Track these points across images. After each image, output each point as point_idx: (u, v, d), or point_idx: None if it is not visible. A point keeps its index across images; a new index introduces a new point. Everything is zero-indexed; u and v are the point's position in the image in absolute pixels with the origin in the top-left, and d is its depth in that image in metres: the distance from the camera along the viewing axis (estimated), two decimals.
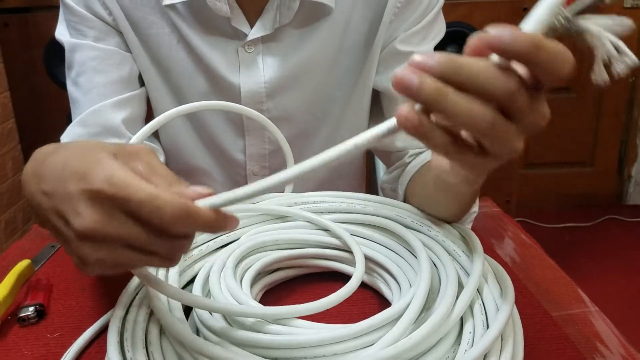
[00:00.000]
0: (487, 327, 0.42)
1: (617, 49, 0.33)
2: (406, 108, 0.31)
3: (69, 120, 0.69)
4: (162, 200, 0.32)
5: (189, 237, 0.36)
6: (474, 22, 1.60)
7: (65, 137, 0.66)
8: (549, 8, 0.31)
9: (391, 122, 0.31)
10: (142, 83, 0.71)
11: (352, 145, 0.32)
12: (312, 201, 0.59)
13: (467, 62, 0.30)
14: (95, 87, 0.66)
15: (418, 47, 0.69)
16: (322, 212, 0.58)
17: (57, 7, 0.69)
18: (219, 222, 0.35)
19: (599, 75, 0.33)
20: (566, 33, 0.33)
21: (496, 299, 0.44)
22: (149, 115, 0.73)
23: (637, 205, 2.32)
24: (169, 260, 0.36)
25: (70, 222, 0.34)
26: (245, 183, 0.78)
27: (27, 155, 1.74)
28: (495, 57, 0.31)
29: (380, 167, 1.07)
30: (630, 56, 0.33)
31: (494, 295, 0.44)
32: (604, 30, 0.33)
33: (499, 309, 0.42)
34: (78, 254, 0.35)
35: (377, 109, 0.76)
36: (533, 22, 0.31)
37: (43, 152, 0.41)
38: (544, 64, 0.30)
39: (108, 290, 0.57)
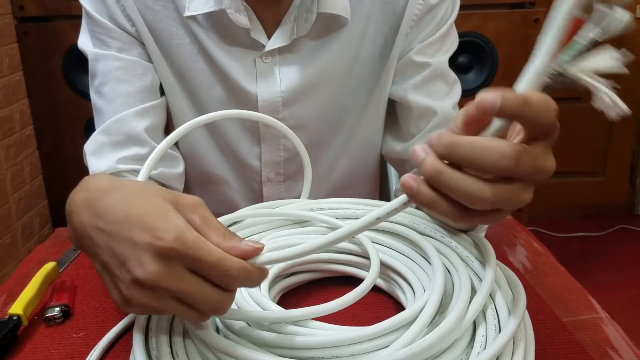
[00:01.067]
0: (500, 331, 0.43)
1: (610, 99, 0.35)
2: (409, 179, 0.36)
3: (87, 128, 0.71)
4: (229, 263, 0.37)
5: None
6: (487, 33, 1.61)
7: (89, 145, 0.68)
8: (537, 71, 0.34)
9: (404, 197, 0.37)
10: (162, 93, 0.73)
11: (375, 218, 0.38)
12: (328, 207, 0.61)
13: (462, 142, 0.34)
14: (119, 97, 0.68)
15: (433, 58, 0.70)
16: (337, 219, 0.60)
17: (76, 17, 0.71)
18: (263, 278, 0.40)
19: (607, 109, 0.35)
20: (561, 86, 0.35)
21: (508, 304, 0.45)
22: (168, 124, 0.75)
23: None
24: (217, 311, 0.39)
25: (130, 268, 0.37)
26: (261, 189, 0.81)
27: (44, 161, 1.77)
28: (496, 123, 0.35)
29: (393, 174, 1.08)
30: (622, 107, 0.35)
31: (506, 300, 0.46)
32: (596, 82, 0.35)
33: (511, 314, 0.43)
34: (126, 295, 0.38)
35: (392, 118, 0.78)
36: (524, 84, 0.34)
37: (97, 187, 0.43)
38: (533, 118, 0.34)
39: None
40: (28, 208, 1.73)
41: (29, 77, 1.69)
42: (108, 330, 0.51)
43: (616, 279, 1.92)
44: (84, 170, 0.72)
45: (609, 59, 0.35)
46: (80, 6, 0.70)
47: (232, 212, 0.82)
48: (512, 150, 0.33)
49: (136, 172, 0.66)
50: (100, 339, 0.50)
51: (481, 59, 1.61)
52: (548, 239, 2.14)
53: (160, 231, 0.36)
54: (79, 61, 1.66)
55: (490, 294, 0.46)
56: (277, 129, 0.64)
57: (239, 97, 0.71)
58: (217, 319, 0.45)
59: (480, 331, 0.43)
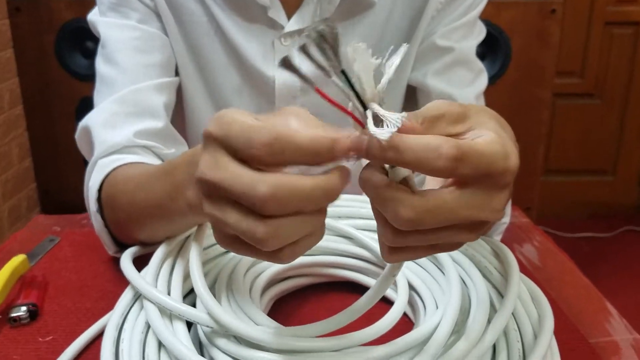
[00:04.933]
0: (524, 357, 0.37)
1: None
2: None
3: (79, 109, 0.65)
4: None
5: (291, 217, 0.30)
6: (501, 23, 1.55)
7: (97, 115, 0.60)
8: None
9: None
10: (176, 73, 0.68)
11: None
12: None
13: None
14: (136, 67, 0.62)
15: (458, 43, 0.66)
16: (339, 217, 0.54)
17: None
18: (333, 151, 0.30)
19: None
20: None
21: (533, 324, 0.40)
22: (178, 106, 0.70)
23: None
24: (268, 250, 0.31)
25: None
26: None
27: (33, 143, 1.71)
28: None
29: None
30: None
31: (531, 319, 0.40)
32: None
33: (537, 337, 0.38)
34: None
35: (411, 105, 0.73)
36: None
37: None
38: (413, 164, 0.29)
39: (108, 290, 0.53)
40: (16, 191, 1.67)
41: (19, 55, 1.63)
42: (79, 334, 0.45)
43: (623, 281, 1.87)
44: (76, 154, 0.66)
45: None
46: None
47: None
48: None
49: (150, 149, 0.60)
50: (69, 344, 0.44)
51: (494, 49, 1.54)
52: (554, 239, 2.08)
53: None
54: (73, 40, 1.60)
55: (512, 313, 0.40)
56: None
57: (255, 81, 0.67)
58: (200, 332, 0.39)
59: (502, 357, 0.37)
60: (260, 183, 0.29)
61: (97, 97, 0.63)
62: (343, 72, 0.30)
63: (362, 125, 0.30)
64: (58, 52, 1.58)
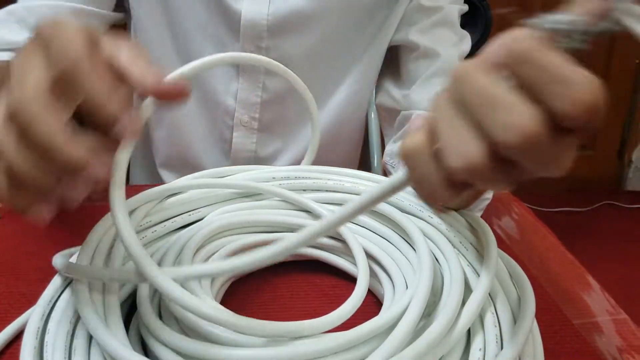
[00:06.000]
0: (502, 344, 0.33)
1: None
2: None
3: None
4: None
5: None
6: None
7: None
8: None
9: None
10: (121, 9, 0.67)
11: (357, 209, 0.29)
12: (294, 177, 0.50)
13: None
14: None
15: (446, 3, 0.65)
16: (304, 190, 0.50)
17: None
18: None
19: None
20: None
21: (512, 306, 0.36)
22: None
23: (636, 192, 2.25)
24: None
25: None
26: (231, 136, 0.70)
27: None
28: None
29: (375, 140, 0.98)
30: None
31: (510, 301, 0.36)
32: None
33: (517, 322, 0.34)
34: None
35: (392, 62, 0.71)
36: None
37: None
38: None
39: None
40: None
41: None
42: (9, 323, 0.40)
43: (600, 255, 1.86)
44: None
45: None
46: None
47: (190, 162, 0.70)
48: None
49: None
50: None
51: (474, 18, 1.50)
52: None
53: None
54: None
55: (489, 294, 0.36)
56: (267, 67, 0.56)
57: (221, 16, 0.64)
58: (142, 323, 0.34)
59: (477, 343, 0.33)
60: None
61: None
62: None
63: None
64: None
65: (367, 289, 0.38)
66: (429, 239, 0.41)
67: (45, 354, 0.33)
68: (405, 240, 0.43)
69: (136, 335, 0.35)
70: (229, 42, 0.65)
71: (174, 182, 0.46)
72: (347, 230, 0.44)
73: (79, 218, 0.56)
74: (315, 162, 0.53)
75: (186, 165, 0.73)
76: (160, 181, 0.78)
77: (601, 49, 2.08)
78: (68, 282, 0.38)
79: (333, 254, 0.47)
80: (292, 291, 0.45)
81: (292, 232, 0.47)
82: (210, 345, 0.31)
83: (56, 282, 0.38)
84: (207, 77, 0.68)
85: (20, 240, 0.53)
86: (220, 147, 0.72)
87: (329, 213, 0.45)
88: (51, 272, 0.47)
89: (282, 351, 0.31)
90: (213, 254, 0.43)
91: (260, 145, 0.71)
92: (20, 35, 0.60)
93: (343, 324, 0.34)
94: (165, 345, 0.32)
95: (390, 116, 0.71)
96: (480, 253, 0.39)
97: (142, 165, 0.80)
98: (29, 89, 0.26)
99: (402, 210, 0.44)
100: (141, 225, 0.43)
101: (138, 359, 0.30)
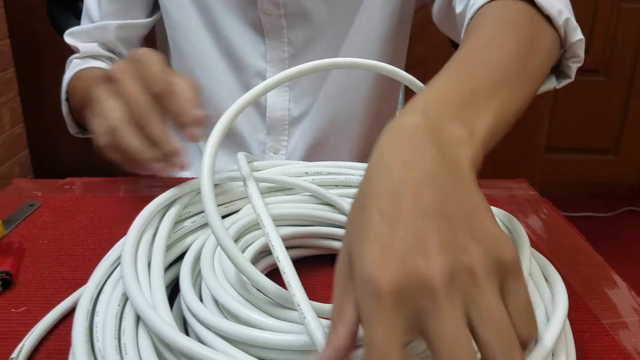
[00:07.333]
0: (535, 339, 0.34)
1: None
2: None
3: None
4: None
5: None
6: None
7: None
8: None
9: None
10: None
11: None
12: (326, 172, 0.51)
13: None
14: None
15: None
16: (336, 185, 0.51)
17: None
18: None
19: None
20: None
21: (545, 304, 0.36)
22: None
23: None
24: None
25: None
26: (265, 97, 0.73)
27: (25, 106, 1.66)
28: None
29: None
30: None
31: (543, 298, 0.37)
32: None
33: (550, 318, 0.34)
34: None
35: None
36: None
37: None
38: None
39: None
40: (7, 157, 1.63)
41: (10, 15, 1.57)
42: (54, 306, 0.42)
43: (622, 262, 1.84)
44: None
45: None
46: None
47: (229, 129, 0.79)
48: None
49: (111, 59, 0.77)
50: (43, 316, 0.41)
51: None
52: None
53: None
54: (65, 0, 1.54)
55: None
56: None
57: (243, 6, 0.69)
58: (184, 305, 0.36)
59: None
60: None
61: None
62: None
63: None
64: (49, 11, 1.52)
65: None
66: None
67: (95, 334, 0.34)
68: None
69: (179, 317, 0.36)
70: (248, 7, 0.69)
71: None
72: None
73: (118, 213, 0.58)
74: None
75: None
76: (198, 153, 0.81)
77: (626, 54, 2.06)
78: (114, 268, 0.39)
79: None
80: (324, 282, 0.47)
81: (325, 226, 0.48)
82: (245, 327, 0.32)
83: (102, 267, 0.39)
84: (234, 44, 0.72)
85: (59, 229, 0.55)
86: (256, 111, 0.75)
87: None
88: (90, 258, 0.49)
89: (315, 338, 0.32)
90: (249, 245, 0.45)
91: (293, 103, 0.74)
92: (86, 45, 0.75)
93: None
94: (206, 326, 0.33)
95: (453, 28, 0.66)
96: None
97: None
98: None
99: None
100: (181, 216, 0.45)
101: (184, 339, 0.31)
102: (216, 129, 0.39)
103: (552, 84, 0.51)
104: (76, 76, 0.70)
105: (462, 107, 0.32)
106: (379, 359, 0.23)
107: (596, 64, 2.07)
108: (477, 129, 0.31)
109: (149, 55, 0.46)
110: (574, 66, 0.49)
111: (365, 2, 0.70)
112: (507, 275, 0.25)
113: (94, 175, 0.65)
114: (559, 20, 0.45)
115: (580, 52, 0.48)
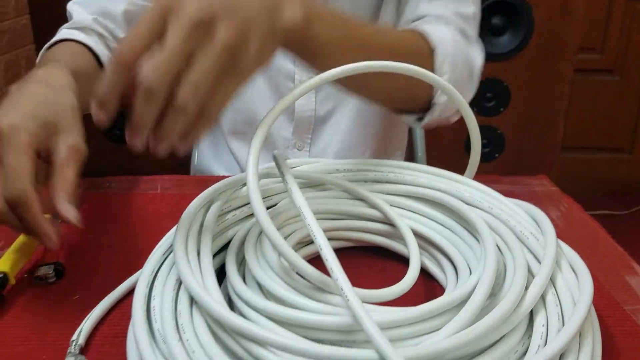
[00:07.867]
0: (562, 320, 0.36)
1: None
2: None
3: None
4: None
5: None
6: None
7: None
8: None
9: None
10: None
11: None
12: (357, 169, 0.54)
13: None
14: None
15: None
16: (365, 182, 0.53)
17: None
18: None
19: None
20: None
21: (572, 290, 0.39)
22: None
23: None
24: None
25: None
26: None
27: None
28: None
29: (419, 138, 1.01)
30: None
31: (570, 285, 0.39)
32: None
33: (576, 302, 0.37)
34: None
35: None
36: None
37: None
38: None
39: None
40: (12, 46, 1.58)
41: None
42: (107, 294, 0.45)
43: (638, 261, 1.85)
44: None
45: None
46: None
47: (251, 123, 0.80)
48: None
49: (104, 37, 0.71)
50: (97, 303, 0.44)
51: (516, 21, 1.51)
52: None
53: None
54: None
55: (550, 278, 0.39)
56: None
57: None
58: (230, 288, 0.39)
59: (540, 320, 0.37)
60: None
61: None
62: None
63: None
64: None
65: (419, 260, 0.43)
66: (491, 227, 0.44)
67: (153, 316, 0.37)
68: (467, 230, 0.46)
69: (226, 299, 0.39)
70: None
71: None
72: (396, 216, 0.48)
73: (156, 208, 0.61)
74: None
75: (242, 124, 0.80)
76: (227, 151, 0.83)
77: None
78: (165, 257, 0.42)
79: (396, 241, 0.50)
80: (357, 273, 0.49)
81: (357, 220, 0.51)
82: (289, 309, 0.35)
83: (155, 256, 0.42)
84: None
85: (104, 224, 0.58)
86: (285, 111, 0.77)
87: (382, 203, 0.49)
88: (136, 250, 0.52)
89: (360, 319, 0.34)
90: (288, 236, 0.47)
91: (319, 104, 0.77)
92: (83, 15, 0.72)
93: (402, 300, 0.38)
94: (252, 307, 0.36)
95: None
96: (540, 242, 0.42)
97: (208, 137, 0.87)
98: None
99: (464, 201, 0.47)
100: (223, 210, 0.48)
101: (236, 318, 0.34)
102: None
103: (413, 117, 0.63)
104: (57, 47, 0.68)
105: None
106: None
107: (610, 63, 2.07)
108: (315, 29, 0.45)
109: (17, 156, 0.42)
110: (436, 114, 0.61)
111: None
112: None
113: (108, 174, 0.67)
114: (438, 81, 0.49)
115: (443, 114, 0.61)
